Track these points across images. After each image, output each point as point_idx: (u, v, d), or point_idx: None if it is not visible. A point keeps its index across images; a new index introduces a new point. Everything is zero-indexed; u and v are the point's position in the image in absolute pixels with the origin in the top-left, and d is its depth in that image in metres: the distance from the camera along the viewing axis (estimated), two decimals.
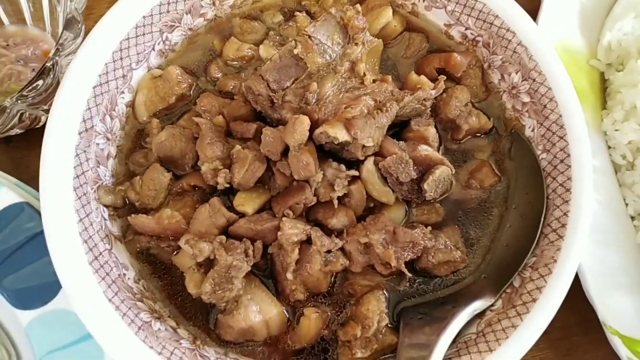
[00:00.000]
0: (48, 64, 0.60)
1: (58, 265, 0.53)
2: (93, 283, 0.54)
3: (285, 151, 0.58)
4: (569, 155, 0.59)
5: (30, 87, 0.59)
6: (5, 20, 0.79)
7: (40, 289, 0.57)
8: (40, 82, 0.60)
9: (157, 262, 0.61)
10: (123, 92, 0.65)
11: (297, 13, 0.70)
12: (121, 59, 0.64)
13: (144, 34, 0.65)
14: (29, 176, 0.67)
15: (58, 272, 0.53)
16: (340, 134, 0.56)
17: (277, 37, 0.70)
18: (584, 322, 0.70)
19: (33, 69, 0.76)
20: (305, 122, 0.56)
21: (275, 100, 0.60)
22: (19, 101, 0.60)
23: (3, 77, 0.75)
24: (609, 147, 0.74)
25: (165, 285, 0.60)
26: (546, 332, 0.70)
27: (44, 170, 0.56)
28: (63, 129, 0.58)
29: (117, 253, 0.59)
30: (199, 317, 0.58)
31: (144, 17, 0.64)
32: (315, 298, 0.60)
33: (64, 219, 0.55)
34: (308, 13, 0.71)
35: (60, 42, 0.61)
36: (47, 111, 0.66)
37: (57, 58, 0.60)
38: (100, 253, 0.57)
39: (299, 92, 0.59)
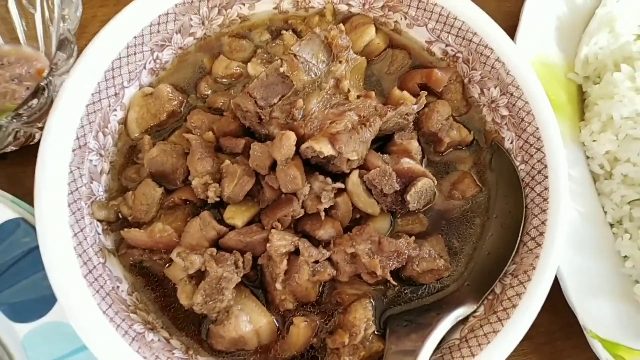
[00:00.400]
0: (42, 83, 0.62)
1: (53, 279, 0.55)
2: (87, 296, 0.55)
3: (273, 165, 0.60)
4: (546, 166, 0.62)
5: (25, 106, 0.61)
6: (0, 40, 0.81)
7: (36, 302, 0.58)
8: (34, 101, 0.62)
9: (149, 274, 0.62)
10: (115, 110, 0.67)
11: (284, 31, 0.73)
12: (113, 77, 0.66)
13: (135, 53, 0.67)
14: (24, 192, 0.68)
15: (53, 286, 0.54)
16: (325, 149, 0.58)
17: (265, 55, 0.72)
18: (567, 327, 0.71)
19: (27, 87, 0.78)
20: (291, 137, 0.59)
21: (263, 117, 0.62)
22: (15, 120, 0.62)
23: (1, 97, 0.77)
24: (588, 157, 0.77)
25: (158, 297, 0.62)
26: (530, 337, 0.72)
27: (39, 186, 0.58)
28: (57, 146, 0.60)
29: (110, 266, 0.61)
30: (191, 327, 0.60)
31: (134, 37, 0.66)
32: (304, 307, 0.61)
33: (58, 233, 0.57)
34: (294, 31, 0.74)
35: (54, 62, 0.63)
36: (42, 128, 0.68)
37: (50, 77, 0.62)
38: (94, 266, 0.58)
39: (285, 108, 0.61)
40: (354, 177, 0.61)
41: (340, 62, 0.63)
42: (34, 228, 0.59)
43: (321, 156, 0.59)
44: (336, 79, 0.64)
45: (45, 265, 0.55)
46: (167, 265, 0.61)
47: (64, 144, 0.60)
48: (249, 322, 0.57)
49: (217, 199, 0.61)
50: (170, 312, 0.61)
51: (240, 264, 0.58)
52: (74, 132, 0.61)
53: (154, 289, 0.62)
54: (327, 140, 0.59)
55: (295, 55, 0.61)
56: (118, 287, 0.59)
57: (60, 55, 0.63)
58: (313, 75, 0.62)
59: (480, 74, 0.69)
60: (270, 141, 0.60)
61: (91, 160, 0.63)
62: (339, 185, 0.61)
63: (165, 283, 0.62)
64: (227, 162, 0.61)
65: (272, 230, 0.59)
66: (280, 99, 0.61)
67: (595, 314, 0.67)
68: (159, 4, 0.67)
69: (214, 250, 0.58)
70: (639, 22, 0.79)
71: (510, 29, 0.80)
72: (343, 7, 0.74)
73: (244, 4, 0.72)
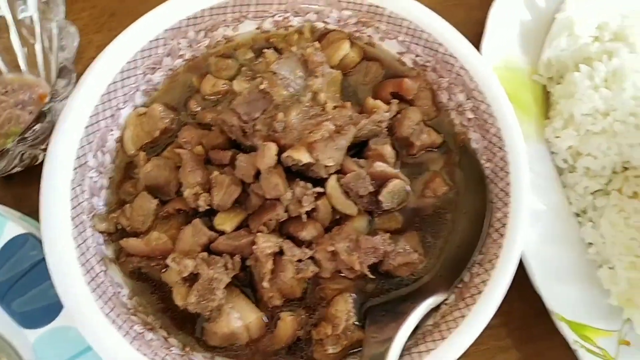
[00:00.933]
0: (44, 109, 0.68)
1: (59, 287, 0.60)
2: (91, 301, 0.60)
3: (258, 174, 0.66)
4: (507, 163, 0.67)
5: (30, 131, 0.67)
6: (4, 69, 0.87)
7: (44, 309, 0.64)
8: (38, 125, 0.68)
9: (148, 279, 0.68)
10: (112, 130, 0.73)
11: (266, 50, 0.78)
12: (109, 100, 0.72)
13: (129, 77, 0.73)
14: (30, 209, 0.74)
15: (60, 294, 0.60)
16: (303, 157, 0.64)
17: (249, 72, 0.78)
18: (542, 314, 0.75)
19: (30, 112, 0.84)
20: (273, 148, 0.64)
21: (247, 130, 0.68)
22: (20, 143, 0.68)
23: (3, 121, 0.83)
24: (552, 153, 0.82)
25: (157, 300, 0.67)
26: (506, 323, 0.78)
27: (44, 204, 0.63)
28: (59, 166, 0.65)
29: (112, 273, 0.66)
30: (187, 326, 0.65)
31: (128, 62, 0.72)
32: (290, 303, 0.66)
33: (63, 246, 0.62)
34: (275, 49, 0.80)
35: (54, 88, 0.69)
36: (45, 150, 0.74)
37: (52, 103, 0.68)
38: (97, 274, 0.64)
39: (267, 121, 0.67)
40: (332, 181, 0.67)
41: (316, 76, 0.69)
42: (40, 242, 0.64)
43: (300, 164, 0.64)
44: (313, 92, 0.69)
45: (52, 275, 0.61)
46: (164, 270, 0.67)
47: (66, 163, 0.66)
48: (240, 318, 0.63)
49: (208, 207, 0.67)
50: (168, 313, 0.66)
51: (230, 265, 0.64)
52: (74, 152, 0.67)
53: (152, 293, 0.67)
54: (304, 149, 0.64)
55: (274, 73, 0.67)
56: (119, 292, 0.64)
57: (60, 82, 0.69)
58: (292, 90, 0.68)
59: (447, 81, 0.75)
60: (254, 152, 0.66)
61: (91, 177, 0.69)
62: (319, 189, 0.66)
63: (163, 287, 0.67)
64: (216, 173, 0.67)
65: (258, 234, 0.64)
66: (262, 113, 0.67)
67: (561, 299, 0.72)
68: (149, 30, 0.73)
69: (205, 254, 0.63)
70: (595, 25, 0.84)
71: (478, 35, 0.86)
72: (320, 25, 0.80)
73: (228, 26, 0.79)
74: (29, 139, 0.68)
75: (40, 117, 0.68)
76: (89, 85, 0.69)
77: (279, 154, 0.64)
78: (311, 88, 0.69)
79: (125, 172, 0.73)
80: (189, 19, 0.75)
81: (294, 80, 0.69)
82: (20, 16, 0.84)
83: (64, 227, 0.63)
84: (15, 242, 0.65)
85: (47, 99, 0.69)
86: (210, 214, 0.68)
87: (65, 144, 0.67)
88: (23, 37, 0.85)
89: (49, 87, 0.86)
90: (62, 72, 0.69)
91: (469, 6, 0.98)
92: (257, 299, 0.66)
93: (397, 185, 0.66)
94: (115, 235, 0.69)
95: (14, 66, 0.88)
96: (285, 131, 0.67)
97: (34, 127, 0.67)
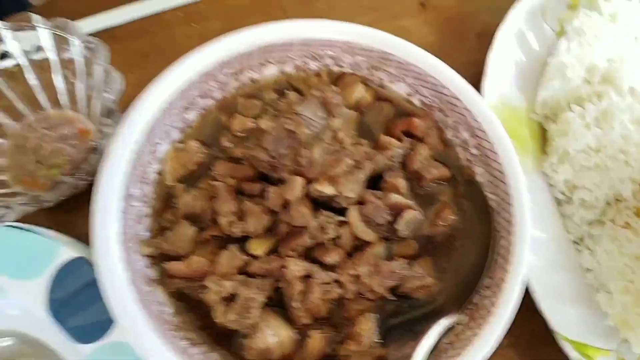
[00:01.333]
0: (92, 144, 0.76)
1: (114, 307, 0.66)
2: (142, 320, 0.67)
3: (285, 204, 0.73)
4: (510, 196, 0.75)
5: (83, 164, 0.74)
6: (47, 106, 0.95)
7: (97, 325, 0.70)
8: (92, 158, 0.76)
9: (188, 299, 0.74)
10: (152, 164, 0.80)
11: (287, 91, 0.87)
12: (149, 138, 0.79)
13: (167, 116, 0.81)
14: (76, 233, 0.81)
15: (113, 313, 0.66)
16: (328, 189, 0.72)
17: (273, 111, 0.86)
18: (548, 336, 0.82)
19: (73, 145, 0.92)
20: (299, 181, 0.72)
21: (275, 165, 0.75)
22: (74, 175, 0.75)
23: (50, 154, 0.90)
24: (550, 185, 0.90)
25: (197, 318, 0.73)
26: (515, 344, 0.85)
27: (95, 232, 0.70)
28: (107, 197, 0.72)
29: (157, 294, 0.73)
30: (225, 342, 0.71)
31: (166, 102, 0.80)
32: (318, 322, 0.73)
33: (114, 269, 0.69)
34: (295, 89, 0.88)
35: (100, 127, 0.77)
36: (85, 180, 0.82)
37: (102, 140, 0.76)
38: (144, 294, 0.70)
39: (293, 157, 0.75)
40: (354, 211, 0.74)
41: (335, 117, 0.78)
42: (90, 263, 0.71)
43: (324, 195, 0.72)
44: (333, 131, 0.78)
45: (104, 294, 0.67)
46: (203, 291, 0.73)
47: (113, 194, 0.73)
48: (274, 335, 0.69)
49: (241, 235, 0.74)
50: (207, 330, 0.72)
51: (263, 287, 0.71)
52: (121, 184, 0.74)
53: (193, 312, 0.73)
54: (328, 182, 0.72)
55: (298, 114, 0.76)
56: (164, 310, 0.71)
57: (106, 121, 0.77)
58: (314, 129, 0.76)
59: (452, 120, 0.83)
60: (282, 184, 0.74)
61: (136, 206, 0.76)
62: (341, 218, 0.74)
63: (202, 306, 0.73)
64: (249, 203, 0.74)
65: (288, 259, 0.72)
66: (288, 150, 0.75)
67: (564, 320, 0.79)
68: (183, 76, 0.81)
69: (242, 276, 0.70)
70: (585, 68, 0.94)
71: (478, 75, 0.95)
72: (336, 69, 0.89)
73: (253, 70, 0.87)
74: (83, 172, 0.75)
75: (89, 152, 0.75)
76: (132, 123, 0.76)
77: (305, 186, 0.72)
78: (331, 127, 0.78)
79: (165, 201, 0.80)
80: (220, 63, 0.83)
81: (315, 120, 0.77)
82: (65, 57, 0.92)
83: (115, 252, 0.70)
84: (70, 265, 0.72)
85: (93, 136, 0.77)
86: (243, 240, 0.75)
87: (112, 177, 0.74)
88: (66, 77, 0.93)
89: (88, 122, 0.94)
90: (109, 113, 0.76)
91: (469, 49, 1.08)
92: (288, 318, 0.73)
93: (412, 215, 0.74)
94: (158, 259, 0.76)
95: (54, 103, 0.96)
96: (310, 166, 0.75)
97: (88, 160, 0.74)
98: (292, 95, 0.86)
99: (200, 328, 0.73)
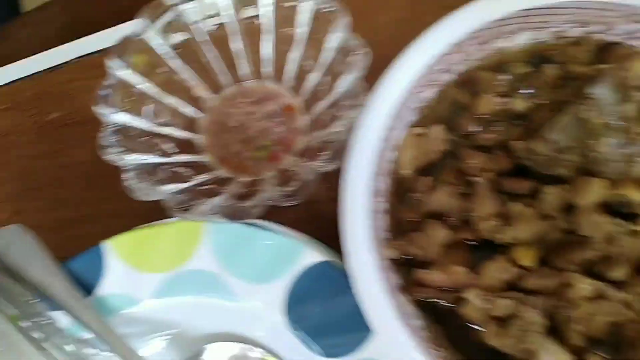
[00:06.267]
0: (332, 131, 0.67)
1: (376, 323, 0.60)
2: (404, 335, 0.60)
3: (569, 208, 0.61)
4: None
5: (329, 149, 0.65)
6: (248, 76, 0.87)
7: (346, 338, 0.64)
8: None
9: (438, 311, 0.66)
10: (386, 152, 0.70)
11: (543, 64, 0.72)
12: (387, 122, 0.69)
13: (407, 97, 0.70)
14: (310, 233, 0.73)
15: (375, 328, 0.59)
16: (635, 195, 0.58)
17: (528, 89, 0.72)
18: None
19: (279, 124, 0.84)
20: (595, 184, 0.59)
21: (553, 159, 0.63)
22: (315, 162, 0.67)
23: (257, 134, 0.83)
24: None
25: (448, 333, 0.65)
26: None
27: (347, 235, 0.63)
28: (358, 193, 0.64)
29: (404, 303, 0.65)
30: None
31: (411, 81, 0.68)
32: (595, 345, 0.62)
33: (371, 277, 0.61)
34: (550, 61, 0.73)
35: (338, 113, 0.67)
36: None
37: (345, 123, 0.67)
38: (399, 304, 0.63)
39: (579, 151, 0.62)
40: None
41: (629, 102, 0.62)
42: (337, 269, 0.64)
43: (624, 201, 0.59)
44: (625, 119, 0.63)
45: (365, 309, 0.60)
46: (459, 303, 0.64)
47: (363, 191, 0.65)
48: None
49: (505, 241, 0.63)
50: (461, 347, 0.64)
51: (543, 307, 0.60)
52: (368, 178, 0.65)
53: (443, 325, 0.65)
54: (633, 186, 0.59)
55: (590, 97, 0.61)
56: (413, 322, 0.63)
57: (345, 102, 0.67)
58: (606, 118, 0.62)
59: None
60: (565, 184, 0.61)
61: (380, 203, 0.67)
62: (635, 227, 0.60)
63: (453, 319, 0.65)
64: (518, 205, 0.63)
65: (572, 274, 0.60)
66: (574, 142, 0.62)
67: None
68: (435, 46, 0.69)
69: (522, 295, 0.60)
70: None
71: None
72: (602, 37, 0.72)
73: (502, 38, 0.73)
74: (323, 158, 0.67)
75: (328, 142, 0.66)
76: (381, 105, 0.67)
77: (603, 189, 0.59)
78: (623, 114, 0.63)
79: (401, 196, 0.71)
80: (473, 32, 0.69)
81: (607, 105, 0.62)
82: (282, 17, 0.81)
83: (369, 258, 0.62)
84: (314, 270, 0.65)
85: (332, 127, 0.67)
86: (502, 246, 0.65)
87: (360, 168, 0.65)
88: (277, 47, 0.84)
89: (293, 97, 0.85)
90: (351, 95, 0.66)
91: None
92: (561, 340, 0.62)
93: None
94: (401, 262, 0.68)
95: (255, 73, 0.88)
96: (600, 163, 0.61)
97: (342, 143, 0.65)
98: (549, 69, 0.72)
99: (452, 344, 0.65)
